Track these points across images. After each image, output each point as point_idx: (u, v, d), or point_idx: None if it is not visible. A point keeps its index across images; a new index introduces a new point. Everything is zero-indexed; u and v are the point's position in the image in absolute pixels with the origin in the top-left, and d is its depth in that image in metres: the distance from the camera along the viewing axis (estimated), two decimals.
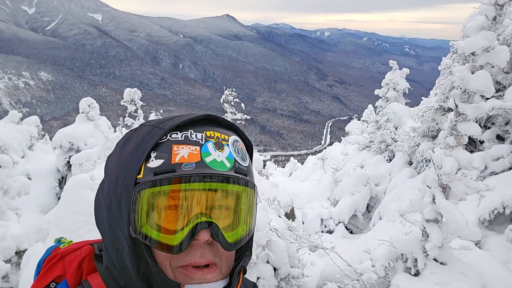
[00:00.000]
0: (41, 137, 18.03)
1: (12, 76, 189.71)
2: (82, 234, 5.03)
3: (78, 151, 10.62)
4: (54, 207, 8.64)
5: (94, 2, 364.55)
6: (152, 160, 0.76)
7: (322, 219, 11.42)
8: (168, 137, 0.78)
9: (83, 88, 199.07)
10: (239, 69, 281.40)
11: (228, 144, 0.80)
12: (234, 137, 0.84)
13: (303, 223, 12.13)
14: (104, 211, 0.83)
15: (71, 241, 0.99)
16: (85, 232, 5.00)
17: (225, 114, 12.66)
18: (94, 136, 10.79)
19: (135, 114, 14.27)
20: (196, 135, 0.78)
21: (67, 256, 0.92)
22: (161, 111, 15.30)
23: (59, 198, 10.64)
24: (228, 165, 0.78)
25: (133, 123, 14.15)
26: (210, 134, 0.80)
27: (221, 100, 12.43)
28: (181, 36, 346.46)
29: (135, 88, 13.36)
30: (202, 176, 0.74)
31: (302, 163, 29.13)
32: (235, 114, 12.75)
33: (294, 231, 6.80)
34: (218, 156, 0.78)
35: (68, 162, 10.58)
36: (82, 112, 11.31)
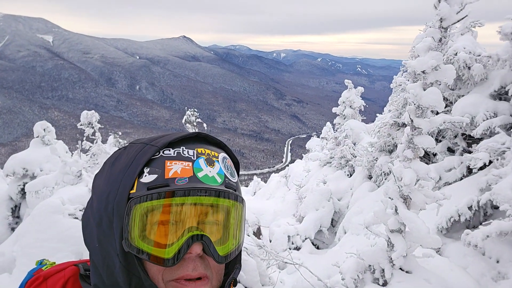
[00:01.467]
0: None
1: None
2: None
3: (33, 177, 10.05)
4: (7, 238, 8.09)
5: (44, 23, 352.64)
6: (145, 176, 0.78)
7: (289, 236, 11.50)
8: (161, 153, 0.80)
9: (34, 112, 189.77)
10: (198, 90, 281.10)
11: (218, 161, 0.84)
12: (223, 154, 0.87)
13: (270, 241, 12.14)
14: (93, 228, 0.83)
15: (54, 263, 0.97)
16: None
17: None
18: (51, 161, 10.30)
19: (93, 137, 13.83)
20: (188, 151, 0.81)
21: (50, 278, 0.90)
22: (120, 133, 14.93)
23: (12, 229, 9.95)
24: (219, 180, 0.81)
25: (91, 147, 13.68)
26: (201, 150, 0.83)
27: (183, 121, 12.36)
28: (137, 57, 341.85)
29: (93, 111, 12.98)
30: (196, 190, 0.76)
31: (265, 182, 29.30)
32: None
33: (264, 248, 6.82)
34: (210, 171, 0.81)
35: (23, 189, 9.99)
36: (37, 137, 10.79)
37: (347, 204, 11.79)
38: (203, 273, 0.78)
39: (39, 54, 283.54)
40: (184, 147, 0.82)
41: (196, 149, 0.82)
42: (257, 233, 13.35)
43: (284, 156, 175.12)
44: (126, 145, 0.90)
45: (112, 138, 15.20)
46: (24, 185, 10.00)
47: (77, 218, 5.36)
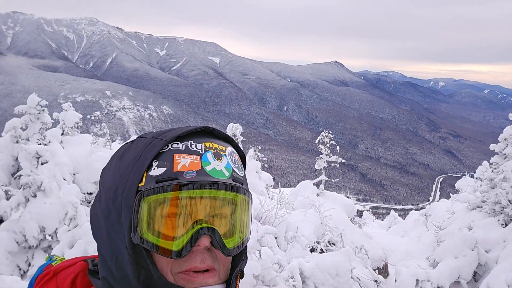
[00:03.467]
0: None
1: (140, 108, 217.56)
2: None
3: None
4: None
5: (214, 47, 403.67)
6: (154, 169, 0.79)
7: (417, 280, 10.28)
8: (169, 147, 0.81)
9: (197, 122, 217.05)
10: (343, 114, 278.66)
11: (225, 155, 0.84)
12: (230, 149, 0.88)
13: (395, 281, 11.10)
14: (102, 221, 0.85)
15: (64, 258, 1.00)
16: None
17: (320, 156, 12.60)
18: None
19: None
20: (196, 145, 0.82)
21: (60, 273, 0.92)
22: (259, 147, 15.88)
23: None
24: (227, 174, 0.82)
25: None
26: (209, 144, 0.83)
27: (317, 141, 12.45)
28: (289, 80, 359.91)
29: (237, 124, 14.23)
30: (204, 184, 0.77)
31: (403, 218, 27.09)
32: (330, 156, 12.59)
33: (381, 285, 6.29)
34: (217, 165, 0.81)
35: None
36: None
37: (496, 258, 9.95)
38: (211, 266, 0.80)
39: (207, 73, 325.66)
40: (192, 141, 0.83)
41: (204, 143, 0.83)
42: (383, 270, 12.35)
43: (432, 194, 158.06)
44: (133, 139, 0.91)
45: (251, 151, 16.31)
46: None
47: None
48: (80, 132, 17.57)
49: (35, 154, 8.81)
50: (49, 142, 12.57)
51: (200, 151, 0.81)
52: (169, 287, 0.77)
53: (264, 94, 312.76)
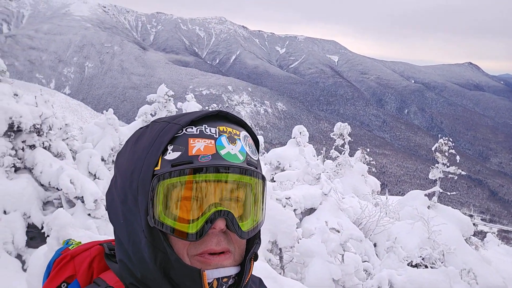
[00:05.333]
0: (261, 155, 20.92)
1: (256, 103, 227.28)
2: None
3: (283, 170, 11.84)
4: None
5: (334, 45, 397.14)
6: (169, 153, 0.80)
7: None
8: (184, 131, 0.82)
9: (309, 120, 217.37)
10: (474, 122, 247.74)
11: (239, 139, 0.85)
12: (244, 133, 0.88)
13: None
14: (118, 205, 0.87)
15: (80, 242, 1.02)
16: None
17: (436, 165, 11.48)
18: (299, 160, 11.81)
19: (342, 148, 14.69)
20: (210, 129, 0.82)
21: (77, 257, 0.95)
22: (367, 149, 15.19)
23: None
24: (241, 158, 0.82)
25: (337, 156, 14.60)
26: (223, 129, 0.84)
27: (433, 148, 11.35)
28: (412, 81, 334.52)
29: (346, 123, 13.81)
30: (219, 167, 0.78)
31: None
32: (447, 167, 11.36)
33: None
34: (232, 149, 0.82)
35: (273, 178, 12.00)
36: (294, 138, 12.63)
37: None
38: (226, 248, 0.82)
39: (324, 72, 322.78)
40: (206, 125, 0.83)
41: (218, 127, 0.84)
42: None
43: None
44: (147, 124, 0.92)
45: (359, 153, 15.68)
46: (275, 175, 11.89)
47: (285, 206, 6.12)
48: None
49: None
50: None
51: (214, 135, 0.82)
52: (185, 269, 0.79)
53: (383, 95, 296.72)
